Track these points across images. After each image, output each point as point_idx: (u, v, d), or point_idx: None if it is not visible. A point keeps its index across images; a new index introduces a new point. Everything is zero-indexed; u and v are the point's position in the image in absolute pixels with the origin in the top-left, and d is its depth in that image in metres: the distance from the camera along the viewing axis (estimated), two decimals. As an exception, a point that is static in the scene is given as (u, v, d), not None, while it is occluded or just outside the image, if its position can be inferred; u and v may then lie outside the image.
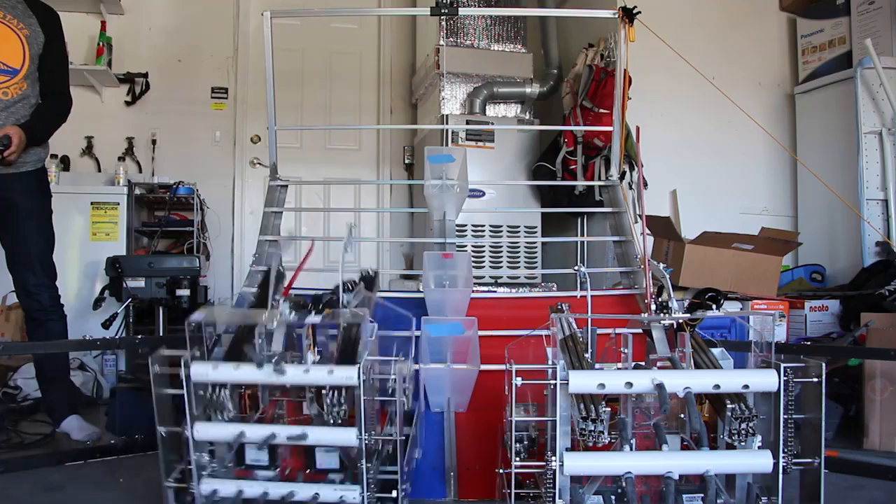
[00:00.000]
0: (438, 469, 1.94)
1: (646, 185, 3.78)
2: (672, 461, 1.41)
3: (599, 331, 1.67)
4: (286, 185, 2.79)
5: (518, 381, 1.47)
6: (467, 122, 4.08)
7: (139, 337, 2.96)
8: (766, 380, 1.42)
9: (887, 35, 3.56)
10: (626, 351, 1.62)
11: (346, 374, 1.52)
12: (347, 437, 1.54)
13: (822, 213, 3.81)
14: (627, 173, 3.64)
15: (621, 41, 2.97)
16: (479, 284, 3.52)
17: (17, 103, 2.46)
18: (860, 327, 2.65)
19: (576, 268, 2.03)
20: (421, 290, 2.42)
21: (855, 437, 2.42)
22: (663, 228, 3.24)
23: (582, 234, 3.91)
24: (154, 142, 4.70)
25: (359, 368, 1.51)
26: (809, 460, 1.48)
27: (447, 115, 4.17)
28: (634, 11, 2.89)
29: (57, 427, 2.53)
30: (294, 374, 1.55)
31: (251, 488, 1.60)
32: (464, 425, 2.10)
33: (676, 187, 3.90)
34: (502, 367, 1.60)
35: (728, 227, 3.24)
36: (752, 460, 1.45)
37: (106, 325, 3.28)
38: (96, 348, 3.20)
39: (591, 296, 1.87)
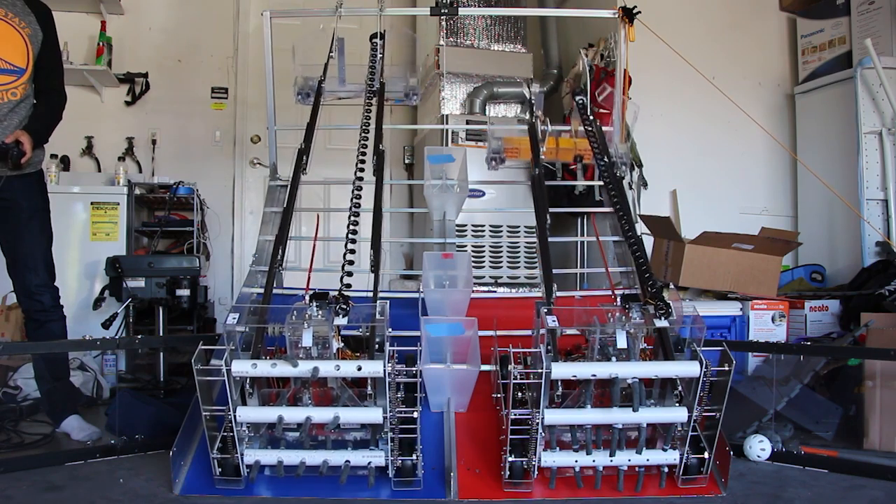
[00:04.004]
0: (438, 469, 1.94)
1: (646, 185, 3.78)
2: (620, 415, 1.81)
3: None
4: (286, 185, 2.79)
5: (516, 371, 1.78)
6: (467, 122, 4.08)
7: (139, 337, 2.95)
8: (690, 368, 1.79)
9: (887, 35, 3.56)
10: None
11: (373, 369, 1.78)
12: (374, 415, 1.80)
13: (822, 213, 3.81)
14: (627, 173, 3.63)
15: (621, 41, 2.97)
16: (479, 284, 3.52)
17: (21, 103, 2.46)
18: (860, 327, 2.64)
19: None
20: (421, 290, 2.42)
21: (855, 437, 2.42)
22: (663, 228, 3.24)
23: (582, 234, 3.90)
24: (154, 142, 4.70)
25: (384, 364, 1.76)
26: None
27: (447, 115, 4.17)
28: (634, 11, 2.90)
29: (57, 427, 2.53)
30: (327, 370, 1.79)
31: (289, 457, 1.84)
32: (464, 425, 2.10)
33: (676, 187, 3.90)
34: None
35: (728, 227, 3.24)
36: (671, 414, 1.84)
37: (106, 325, 3.28)
38: (96, 348, 3.19)
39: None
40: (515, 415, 1.83)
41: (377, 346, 1.84)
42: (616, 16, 2.97)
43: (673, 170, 3.88)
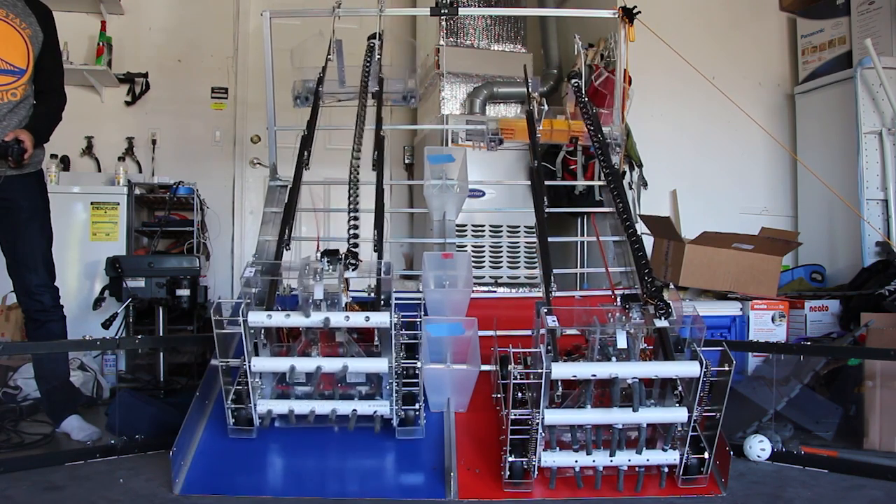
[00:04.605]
0: (438, 469, 1.94)
1: (645, 184, 3.78)
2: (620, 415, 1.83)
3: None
4: (286, 185, 2.79)
5: (516, 371, 1.79)
6: (467, 122, 4.08)
7: (139, 337, 2.95)
8: (690, 368, 1.80)
9: (887, 35, 3.56)
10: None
11: (380, 320, 1.89)
12: (379, 365, 1.93)
13: (822, 213, 3.81)
14: (627, 173, 3.64)
15: (621, 41, 2.97)
16: (479, 284, 3.52)
17: (21, 104, 2.46)
18: (860, 327, 2.64)
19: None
20: (421, 290, 2.42)
21: (855, 437, 2.42)
22: (663, 228, 3.24)
23: (582, 234, 3.90)
24: (154, 142, 4.70)
25: (390, 314, 1.88)
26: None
27: (447, 116, 4.17)
28: (634, 11, 2.90)
29: (57, 427, 2.53)
30: (337, 321, 1.90)
31: (300, 407, 1.95)
32: (464, 425, 2.10)
33: (676, 187, 3.89)
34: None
35: (728, 227, 3.24)
36: (671, 414, 1.85)
37: (106, 325, 3.28)
38: (96, 348, 3.19)
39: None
40: (515, 415, 1.83)
41: (383, 300, 1.94)
42: (616, 16, 2.97)
43: (673, 170, 3.88)
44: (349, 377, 1.97)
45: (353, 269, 1.98)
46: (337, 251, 2.02)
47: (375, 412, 1.96)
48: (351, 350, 1.99)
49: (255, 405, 1.95)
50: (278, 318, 1.90)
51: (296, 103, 2.81)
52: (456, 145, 3.98)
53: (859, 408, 2.45)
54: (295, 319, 1.90)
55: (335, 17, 2.85)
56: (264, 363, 1.94)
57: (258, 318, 1.89)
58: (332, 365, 1.91)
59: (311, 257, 2.02)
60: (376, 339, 1.99)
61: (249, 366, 1.89)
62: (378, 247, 2.12)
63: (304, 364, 1.92)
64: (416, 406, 2.00)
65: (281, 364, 1.93)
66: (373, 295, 2.02)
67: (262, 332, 1.96)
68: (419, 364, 2.00)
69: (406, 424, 2.00)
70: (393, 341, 1.91)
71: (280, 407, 1.96)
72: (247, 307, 1.88)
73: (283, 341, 2.05)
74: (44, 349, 2.53)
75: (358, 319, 1.90)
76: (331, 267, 1.97)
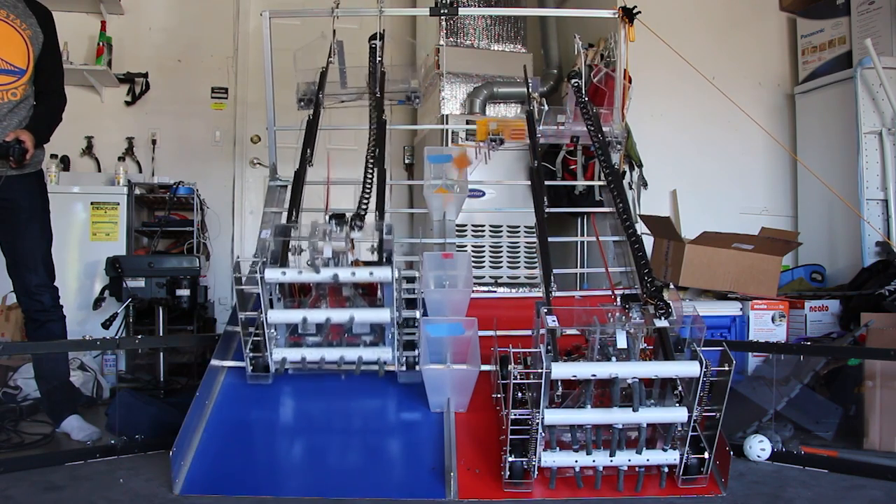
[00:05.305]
0: (438, 469, 1.94)
1: (645, 184, 3.78)
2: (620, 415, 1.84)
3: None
4: (286, 185, 2.80)
5: (516, 371, 1.80)
6: (467, 122, 4.08)
7: (139, 337, 2.95)
8: (690, 368, 1.81)
9: (887, 35, 3.56)
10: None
11: (383, 274, 2.07)
12: (382, 316, 2.10)
13: (822, 213, 3.81)
14: (627, 173, 3.64)
15: (621, 41, 2.97)
16: (479, 284, 3.52)
17: (21, 104, 2.47)
18: (860, 327, 2.64)
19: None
20: (421, 290, 2.42)
21: (855, 437, 2.42)
22: (663, 228, 3.24)
23: (582, 234, 3.90)
24: (154, 142, 4.70)
25: (391, 270, 2.05)
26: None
27: (447, 115, 4.17)
28: (634, 11, 2.90)
29: (57, 427, 2.53)
30: (344, 276, 2.07)
31: (311, 354, 2.14)
32: (464, 425, 2.10)
33: (676, 187, 3.89)
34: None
35: (728, 227, 3.24)
36: (671, 414, 1.85)
37: (106, 325, 3.28)
38: (96, 348, 3.20)
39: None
40: (515, 415, 1.83)
41: (385, 257, 2.11)
42: (616, 16, 2.97)
43: (673, 170, 3.88)
44: (355, 328, 2.14)
45: (359, 230, 2.15)
46: (343, 214, 2.18)
47: (379, 358, 2.14)
48: (357, 303, 2.16)
49: (271, 353, 2.14)
50: (292, 275, 2.09)
51: (300, 106, 2.86)
52: (456, 145, 3.99)
53: (859, 408, 2.45)
54: (306, 276, 2.08)
55: (334, 17, 2.85)
56: (279, 315, 2.11)
57: (274, 274, 2.07)
58: (340, 316, 2.08)
59: (320, 220, 2.20)
60: (379, 293, 2.16)
61: (266, 317, 2.07)
62: (379, 209, 2.32)
63: (315, 315, 2.10)
64: (416, 352, 2.17)
65: (294, 315, 2.11)
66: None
67: (277, 287, 2.13)
68: (418, 315, 2.17)
69: (407, 368, 2.18)
70: (394, 294, 2.08)
71: (293, 354, 2.14)
72: (263, 265, 2.06)
73: (295, 296, 2.23)
74: (44, 349, 2.53)
75: (363, 275, 2.07)
76: (338, 228, 2.14)
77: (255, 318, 2.11)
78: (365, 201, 2.27)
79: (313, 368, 2.17)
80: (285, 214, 2.41)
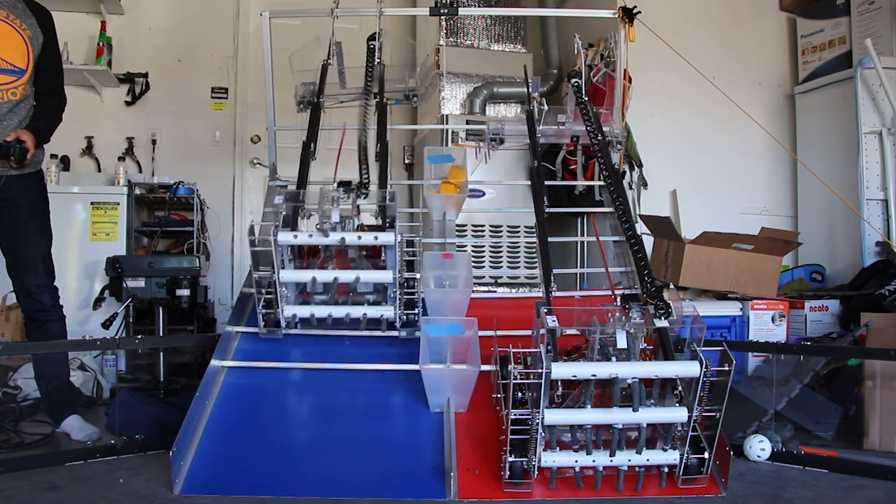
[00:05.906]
0: (438, 469, 1.94)
1: (645, 184, 3.78)
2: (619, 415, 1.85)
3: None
4: (286, 185, 2.80)
5: (516, 371, 1.81)
6: (467, 122, 4.08)
7: (139, 337, 2.95)
8: (690, 368, 1.81)
9: (887, 35, 3.56)
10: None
11: (387, 238, 2.25)
12: (385, 276, 2.29)
13: (822, 213, 3.81)
14: (627, 173, 3.64)
15: (621, 41, 2.98)
16: (479, 284, 3.52)
17: (20, 103, 2.47)
18: (860, 327, 2.64)
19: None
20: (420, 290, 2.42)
21: (855, 437, 2.42)
22: (663, 228, 3.24)
23: (582, 234, 3.90)
24: (154, 142, 4.70)
25: (394, 234, 2.24)
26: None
27: (447, 115, 4.17)
28: (634, 11, 2.90)
29: (57, 427, 2.53)
30: (351, 239, 2.25)
31: (319, 311, 2.33)
32: (464, 425, 2.10)
33: (676, 187, 3.89)
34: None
35: (728, 227, 3.24)
36: (671, 414, 1.85)
37: (106, 325, 3.28)
38: (96, 348, 3.20)
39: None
40: (515, 415, 1.83)
41: (388, 223, 2.28)
42: (616, 16, 2.97)
43: (673, 170, 3.88)
44: (360, 287, 2.32)
45: (364, 197, 2.33)
46: (350, 182, 2.35)
47: (382, 315, 2.34)
48: (362, 265, 2.33)
49: (282, 310, 2.31)
50: (303, 238, 2.26)
51: (299, 108, 2.90)
52: (456, 145, 3.99)
53: (859, 408, 2.44)
54: (316, 239, 2.25)
55: (334, 17, 2.85)
56: (290, 274, 2.29)
57: (286, 237, 2.23)
58: (346, 276, 2.26)
59: (328, 187, 2.36)
60: (383, 255, 2.33)
61: (278, 276, 2.24)
62: (382, 179, 2.48)
63: (323, 275, 2.28)
64: (416, 311, 2.34)
65: (304, 275, 2.28)
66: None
67: (288, 249, 2.30)
68: (418, 276, 2.33)
69: (407, 325, 2.36)
70: (397, 256, 2.24)
71: (303, 311, 2.32)
72: (276, 228, 2.22)
73: (305, 259, 2.41)
74: (44, 349, 2.53)
75: (368, 238, 2.25)
76: (345, 195, 2.31)
77: (268, 277, 2.25)
78: (365, 168, 2.46)
79: (321, 327, 2.37)
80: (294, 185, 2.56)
